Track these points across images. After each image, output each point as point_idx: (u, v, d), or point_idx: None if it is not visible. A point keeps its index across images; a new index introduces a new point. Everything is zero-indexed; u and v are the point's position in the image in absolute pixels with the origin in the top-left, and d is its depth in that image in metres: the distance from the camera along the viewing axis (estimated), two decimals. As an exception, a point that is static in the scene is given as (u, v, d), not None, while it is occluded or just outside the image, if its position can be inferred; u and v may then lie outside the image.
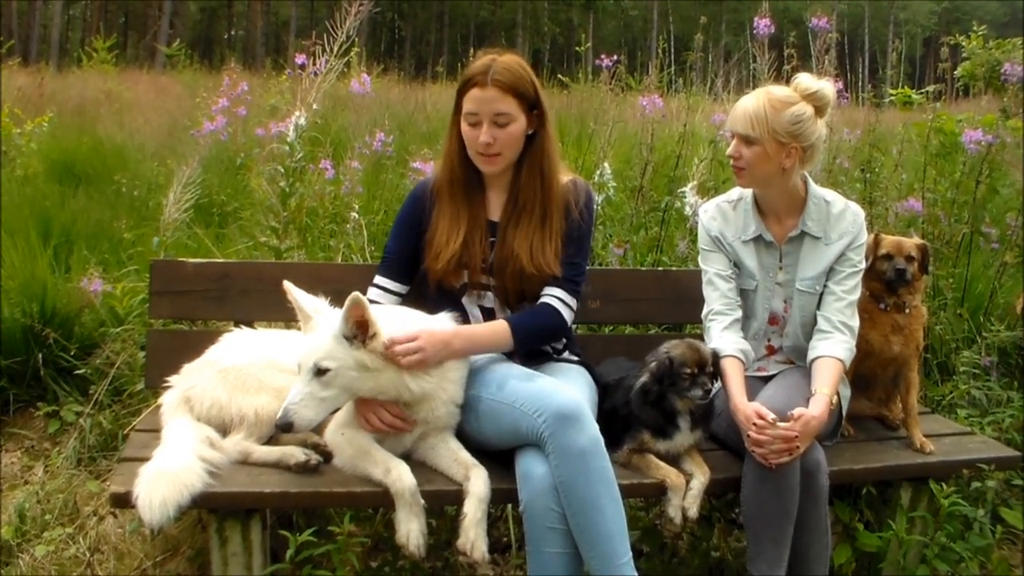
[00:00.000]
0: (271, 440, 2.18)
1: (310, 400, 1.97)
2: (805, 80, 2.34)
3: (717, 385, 2.26)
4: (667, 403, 2.22)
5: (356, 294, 1.98)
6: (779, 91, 2.33)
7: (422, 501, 2.01)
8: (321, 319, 2.05)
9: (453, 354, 2.17)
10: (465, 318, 2.35)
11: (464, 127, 2.29)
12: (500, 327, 2.27)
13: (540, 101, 2.32)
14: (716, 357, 2.27)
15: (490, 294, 2.37)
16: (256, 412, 2.15)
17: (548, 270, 2.30)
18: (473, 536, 1.98)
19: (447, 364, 2.15)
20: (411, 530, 1.99)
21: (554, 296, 2.33)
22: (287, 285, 2.12)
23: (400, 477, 2.00)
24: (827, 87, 2.34)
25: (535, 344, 2.38)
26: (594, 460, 1.95)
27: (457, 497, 2.04)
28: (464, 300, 2.38)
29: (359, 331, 2.00)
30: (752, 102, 2.30)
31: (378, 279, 2.41)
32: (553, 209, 2.34)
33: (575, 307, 2.36)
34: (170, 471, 1.94)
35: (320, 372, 1.97)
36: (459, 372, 2.17)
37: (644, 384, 2.22)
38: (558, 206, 2.35)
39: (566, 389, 2.06)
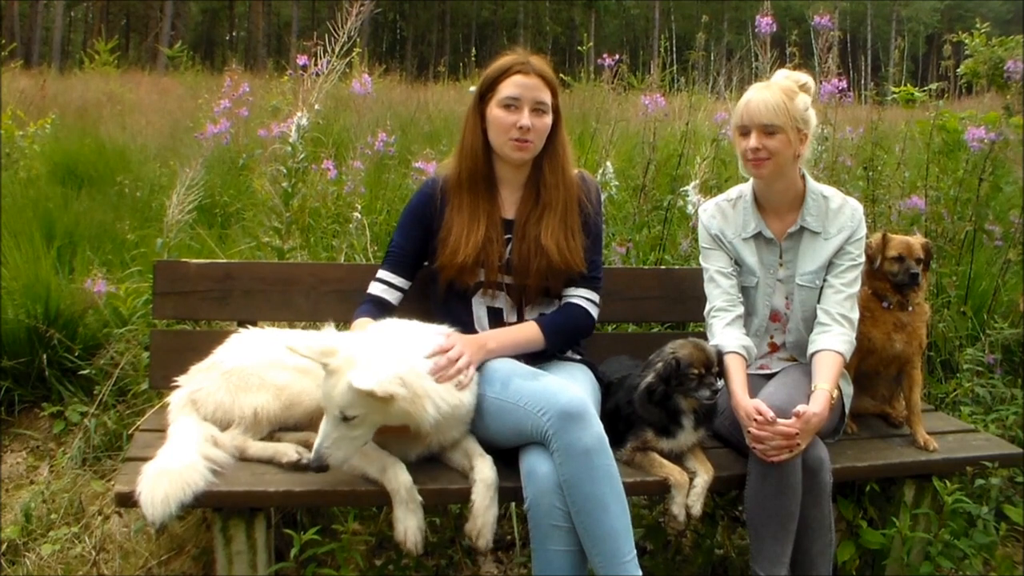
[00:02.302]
0: (269, 437, 2.19)
1: (341, 442, 1.94)
2: (795, 74, 2.43)
3: (720, 383, 2.26)
4: (672, 402, 2.21)
5: None
6: (784, 82, 2.39)
7: (419, 497, 2.01)
8: (339, 361, 1.94)
9: (489, 355, 2.19)
10: (471, 319, 2.36)
11: (498, 112, 2.30)
12: (531, 327, 2.30)
13: (559, 103, 2.39)
14: (720, 355, 2.27)
15: (503, 294, 2.37)
16: (256, 411, 2.16)
17: (576, 265, 2.34)
18: (480, 524, 1.99)
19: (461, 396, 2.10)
20: (408, 527, 1.99)
21: (581, 296, 2.38)
22: (290, 347, 1.98)
23: (396, 475, 2.00)
24: (810, 79, 2.44)
25: (565, 345, 2.41)
26: (599, 458, 1.95)
27: (461, 495, 2.04)
28: (474, 300, 2.37)
29: None
30: (768, 94, 2.33)
31: (381, 273, 2.41)
32: (573, 205, 2.39)
33: (599, 303, 2.41)
34: (173, 469, 1.95)
35: (347, 418, 1.93)
36: (471, 395, 2.13)
37: (650, 384, 2.21)
38: (575, 201, 2.40)
39: (571, 387, 2.05)
